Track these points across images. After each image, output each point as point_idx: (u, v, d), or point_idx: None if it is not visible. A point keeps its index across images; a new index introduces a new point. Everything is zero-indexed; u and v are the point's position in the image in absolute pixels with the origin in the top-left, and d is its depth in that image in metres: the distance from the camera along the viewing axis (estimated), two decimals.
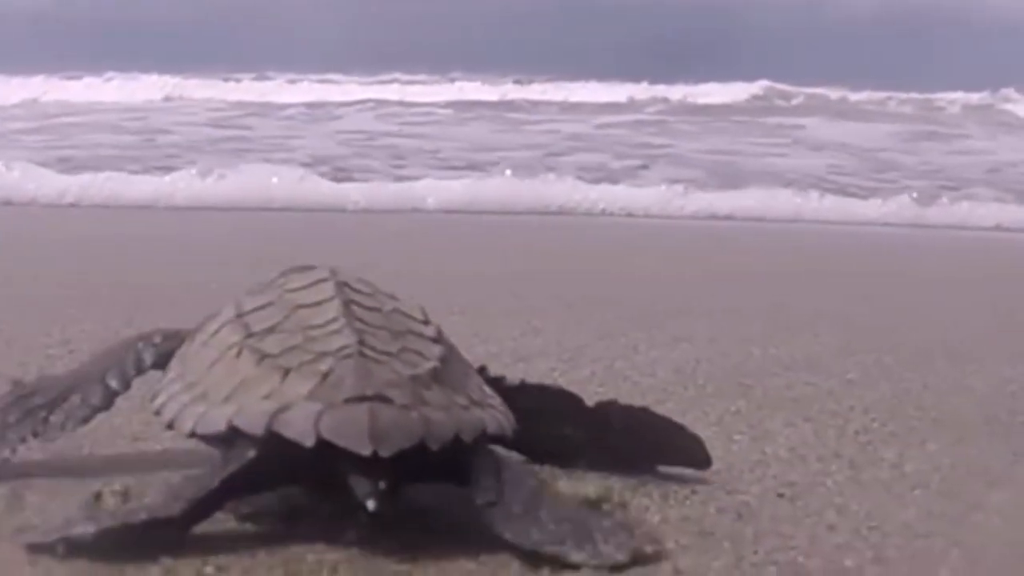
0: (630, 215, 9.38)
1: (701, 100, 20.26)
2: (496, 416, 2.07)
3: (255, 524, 2.00)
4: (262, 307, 2.12)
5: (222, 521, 1.94)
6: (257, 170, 9.59)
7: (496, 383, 2.26)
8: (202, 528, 1.90)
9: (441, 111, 17.63)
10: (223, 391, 1.98)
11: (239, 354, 2.02)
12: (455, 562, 1.90)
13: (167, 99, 20.15)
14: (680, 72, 22.51)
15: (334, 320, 2.04)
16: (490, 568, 1.89)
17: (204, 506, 1.89)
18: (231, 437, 1.92)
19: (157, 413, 2.09)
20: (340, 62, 25.68)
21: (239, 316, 2.11)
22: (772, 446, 2.68)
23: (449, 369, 2.07)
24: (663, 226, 8.95)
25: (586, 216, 9.31)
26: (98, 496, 2.05)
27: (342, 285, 2.15)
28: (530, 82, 23.33)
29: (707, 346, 3.76)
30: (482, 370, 2.28)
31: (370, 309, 2.11)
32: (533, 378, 3.15)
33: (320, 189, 9.43)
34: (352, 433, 1.82)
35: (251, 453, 1.90)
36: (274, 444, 1.87)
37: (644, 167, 11.49)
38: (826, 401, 3.10)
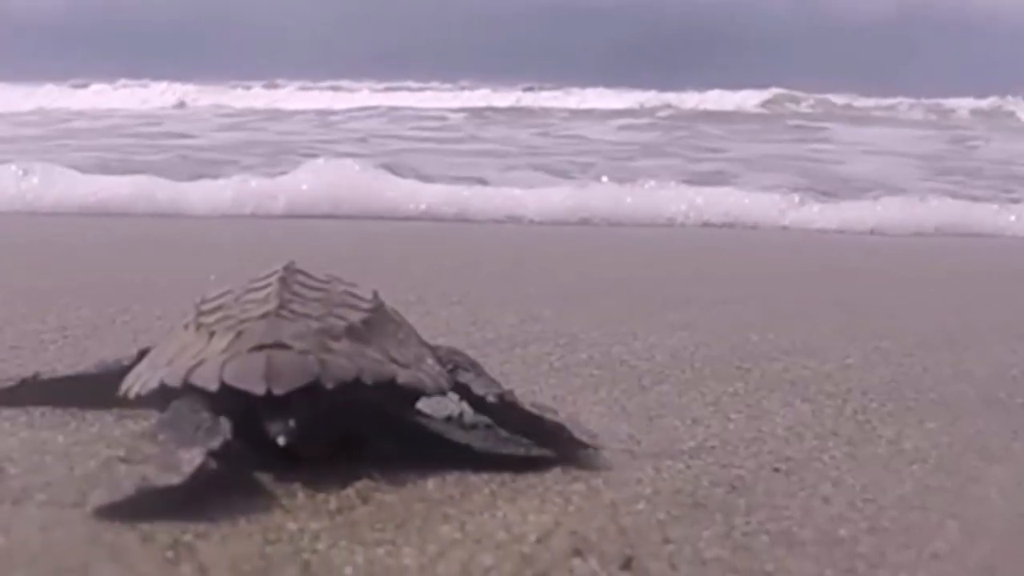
0: (733, 224, 8.13)
1: (712, 106, 20.19)
2: (417, 374, 2.17)
3: (235, 492, 1.96)
4: (219, 296, 2.30)
5: (201, 489, 1.91)
6: (322, 167, 8.54)
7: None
8: (180, 496, 1.87)
9: (453, 116, 17.55)
10: (166, 358, 2.20)
11: (185, 328, 2.25)
12: (438, 531, 1.87)
13: (179, 105, 20.25)
14: (678, 78, 22.53)
15: (267, 295, 2.22)
16: (474, 537, 1.86)
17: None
18: (165, 395, 2.11)
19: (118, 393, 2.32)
20: (346, 70, 25.84)
21: (195, 306, 2.30)
22: (769, 424, 2.65)
23: (373, 330, 2.20)
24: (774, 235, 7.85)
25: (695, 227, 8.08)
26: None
27: (292, 271, 2.33)
28: (540, 89, 23.40)
29: (706, 333, 3.72)
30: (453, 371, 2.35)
31: (311, 288, 2.28)
32: (530, 361, 3.21)
33: (412, 190, 8.41)
34: (249, 376, 2.00)
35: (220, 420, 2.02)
36: (218, 401, 2.02)
37: (735, 175, 10.27)
38: (824, 383, 3.06)
